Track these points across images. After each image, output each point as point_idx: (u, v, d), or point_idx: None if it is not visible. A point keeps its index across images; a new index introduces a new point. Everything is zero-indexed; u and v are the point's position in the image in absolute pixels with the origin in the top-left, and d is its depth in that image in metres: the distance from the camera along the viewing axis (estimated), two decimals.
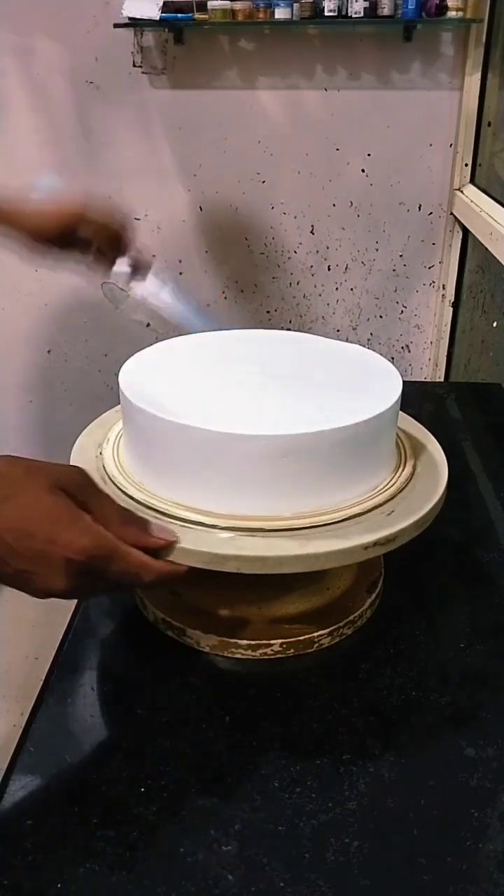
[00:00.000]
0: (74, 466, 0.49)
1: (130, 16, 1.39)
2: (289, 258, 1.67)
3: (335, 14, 1.37)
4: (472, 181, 1.55)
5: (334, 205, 1.61)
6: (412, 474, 0.62)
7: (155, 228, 1.65)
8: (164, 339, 0.71)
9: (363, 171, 1.58)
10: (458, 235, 1.60)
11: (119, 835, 0.47)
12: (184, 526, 0.55)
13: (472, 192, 1.50)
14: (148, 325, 1.71)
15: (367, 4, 1.36)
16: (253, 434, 0.54)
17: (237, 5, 1.39)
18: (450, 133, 1.53)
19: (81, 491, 0.49)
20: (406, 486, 0.61)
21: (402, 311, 1.71)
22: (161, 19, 1.39)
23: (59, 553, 0.46)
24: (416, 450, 0.66)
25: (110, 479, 0.61)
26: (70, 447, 0.65)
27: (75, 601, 0.68)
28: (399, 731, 0.56)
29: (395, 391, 0.61)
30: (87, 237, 0.82)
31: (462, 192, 1.53)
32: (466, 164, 1.54)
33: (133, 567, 0.49)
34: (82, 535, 0.47)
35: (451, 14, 1.37)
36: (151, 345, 0.70)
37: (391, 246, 1.64)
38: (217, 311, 1.71)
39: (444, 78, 1.49)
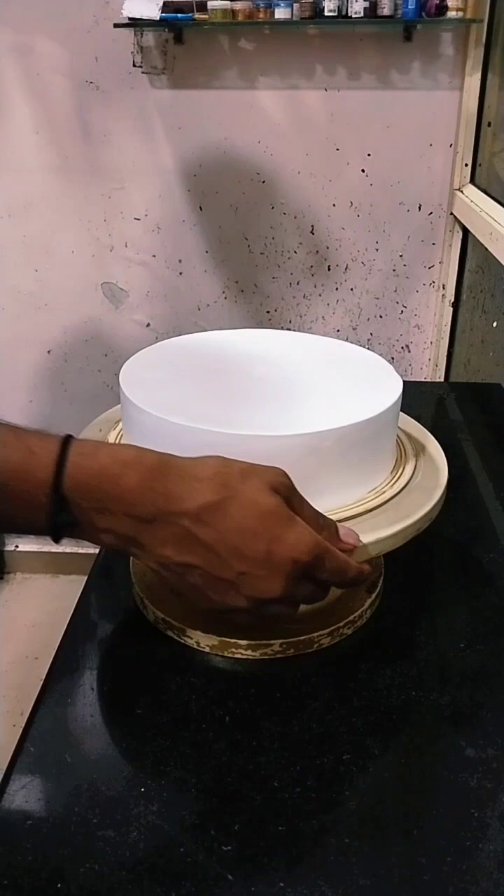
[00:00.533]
0: (277, 468, 0.49)
1: (130, 16, 1.39)
2: (289, 258, 1.67)
3: (335, 14, 1.37)
4: (472, 181, 1.55)
5: (334, 205, 1.61)
6: (412, 475, 0.62)
7: (155, 228, 1.65)
8: (164, 339, 0.71)
9: (363, 171, 1.58)
10: (458, 235, 1.60)
11: (119, 835, 0.47)
12: None
13: (472, 192, 1.50)
14: (148, 325, 1.71)
15: (367, 4, 1.36)
16: (252, 434, 0.54)
17: (237, 5, 1.39)
18: (450, 133, 1.53)
19: (290, 493, 0.49)
20: (406, 486, 0.61)
21: (402, 311, 1.71)
22: (161, 19, 1.39)
23: (284, 553, 0.46)
24: (416, 450, 0.66)
25: None
26: None
27: (76, 602, 0.68)
28: (399, 731, 0.56)
29: (395, 392, 0.61)
30: None
31: (462, 192, 1.54)
32: (466, 164, 1.54)
33: (342, 564, 0.49)
34: (304, 535, 0.47)
35: (451, 14, 1.37)
36: (151, 345, 0.70)
37: (391, 246, 1.64)
38: (217, 311, 1.72)
39: (444, 78, 1.49)
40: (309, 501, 0.50)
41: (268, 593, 0.46)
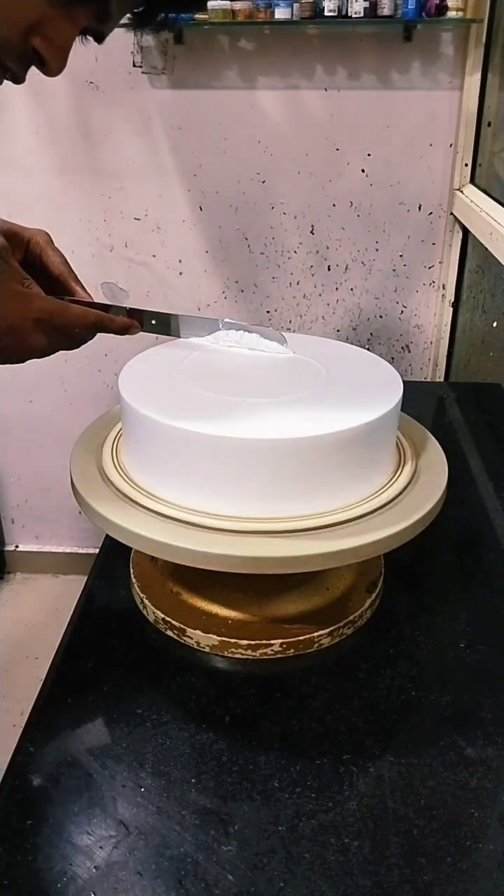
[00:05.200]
0: None
1: None
2: (289, 258, 1.67)
3: (335, 14, 1.37)
4: (472, 181, 1.55)
5: (334, 205, 1.61)
6: (412, 475, 0.62)
7: (155, 228, 1.65)
8: (165, 341, 0.71)
9: (363, 171, 1.58)
10: (458, 235, 1.60)
11: (119, 835, 0.47)
12: (182, 527, 0.55)
13: (472, 192, 1.50)
14: None
15: (367, 4, 1.36)
16: (251, 438, 0.54)
17: (237, 5, 1.39)
18: (450, 133, 1.53)
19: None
20: (406, 487, 0.61)
21: (402, 311, 1.71)
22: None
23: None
24: (416, 450, 0.66)
25: (108, 479, 0.61)
26: (70, 447, 0.65)
27: (76, 602, 0.68)
28: (399, 731, 0.56)
29: (395, 393, 0.61)
30: None
31: (462, 192, 1.53)
32: (466, 164, 1.54)
33: (79, 312, 0.58)
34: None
35: (451, 14, 1.37)
36: (152, 346, 0.70)
37: (391, 246, 1.64)
38: (217, 311, 1.71)
39: (444, 78, 1.49)
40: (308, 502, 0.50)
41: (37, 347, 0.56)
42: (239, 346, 0.68)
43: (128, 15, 0.53)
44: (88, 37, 0.53)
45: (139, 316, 0.64)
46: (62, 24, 0.49)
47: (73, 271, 0.63)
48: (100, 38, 0.53)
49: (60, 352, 0.61)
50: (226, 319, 0.69)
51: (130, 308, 0.63)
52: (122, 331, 0.62)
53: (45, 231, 0.63)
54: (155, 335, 0.68)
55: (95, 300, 0.63)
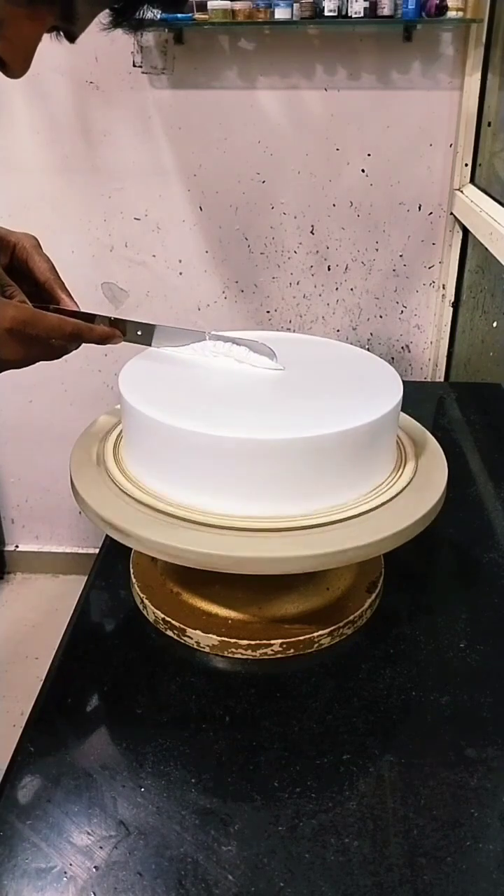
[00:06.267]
0: None
1: None
2: (289, 258, 1.67)
3: (335, 14, 1.37)
4: (472, 181, 1.55)
5: (334, 205, 1.61)
6: (412, 475, 0.63)
7: (155, 228, 1.65)
8: None
9: (363, 171, 1.58)
10: (458, 235, 1.60)
11: (119, 835, 0.47)
12: (182, 527, 0.55)
13: (472, 192, 1.50)
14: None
15: (367, 4, 1.36)
16: (252, 438, 0.54)
17: (237, 5, 1.39)
18: (450, 133, 1.53)
19: None
20: (406, 487, 0.61)
21: (402, 311, 1.71)
22: (161, 19, 1.39)
23: None
24: (416, 450, 0.66)
25: (111, 478, 0.61)
26: (70, 447, 0.66)
27: (76, 602, 0.68)
28: (399, 731, 0.56)
29: (395, 394, 0.61)
30: None
31: (462, 192, 1.54)
32: (466, 164, 1.54)
33: (55, 321, 0.55)
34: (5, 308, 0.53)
35: (451, 14, 1.37)
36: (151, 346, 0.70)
37: (391, 246, 1.64)
38: (217, 311, 1.72)
39: (444, 78, 1.49)
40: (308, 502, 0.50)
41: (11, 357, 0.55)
42: (227, 357, 0.67)
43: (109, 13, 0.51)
44: (61, 35, 0.50)
45: (122, 326, 0.62)
46: (24, 24, 0.45)
47: (59, 278, 0.61)
48: (71, 38, 0.50)
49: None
50: (213, 332, 0.68)
51: (114, 318, 0.62)
52: (102, 341, 0.60)
53: (32, 235, 0.61)
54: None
55: (83, 308, 0.61)
